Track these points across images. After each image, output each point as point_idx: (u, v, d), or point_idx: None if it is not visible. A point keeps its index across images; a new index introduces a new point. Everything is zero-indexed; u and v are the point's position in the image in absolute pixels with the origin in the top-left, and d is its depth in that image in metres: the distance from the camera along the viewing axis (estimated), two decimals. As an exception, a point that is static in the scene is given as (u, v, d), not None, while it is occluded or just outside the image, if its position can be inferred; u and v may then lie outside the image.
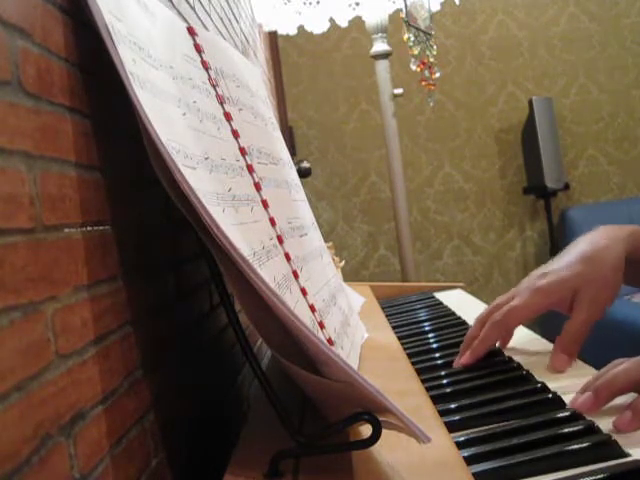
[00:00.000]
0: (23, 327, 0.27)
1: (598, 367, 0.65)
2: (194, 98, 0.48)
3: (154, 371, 0.43)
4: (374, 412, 0.37)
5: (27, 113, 0.31)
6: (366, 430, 0.38)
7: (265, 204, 0.53)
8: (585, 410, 0.51)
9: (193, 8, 0.73)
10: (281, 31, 1.83)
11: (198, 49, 0.54)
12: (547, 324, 0.80)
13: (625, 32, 3.10)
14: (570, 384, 0.59)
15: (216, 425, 0.56)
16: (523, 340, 0.81)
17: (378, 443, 0.37)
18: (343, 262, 1.38)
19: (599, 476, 0.42)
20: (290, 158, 0.74)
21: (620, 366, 0.54)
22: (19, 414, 0.26)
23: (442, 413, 0.54)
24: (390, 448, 0.42)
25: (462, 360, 0.69)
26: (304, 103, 2.98)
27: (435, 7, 1.84)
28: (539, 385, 0.59)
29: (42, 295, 0.29)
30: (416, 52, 1.72)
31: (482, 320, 0.73)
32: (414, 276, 1.87)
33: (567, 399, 0.55)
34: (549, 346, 0.78)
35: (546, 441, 0.47)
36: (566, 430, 0.48)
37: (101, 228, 0.38)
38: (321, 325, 0.53)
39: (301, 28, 1.78)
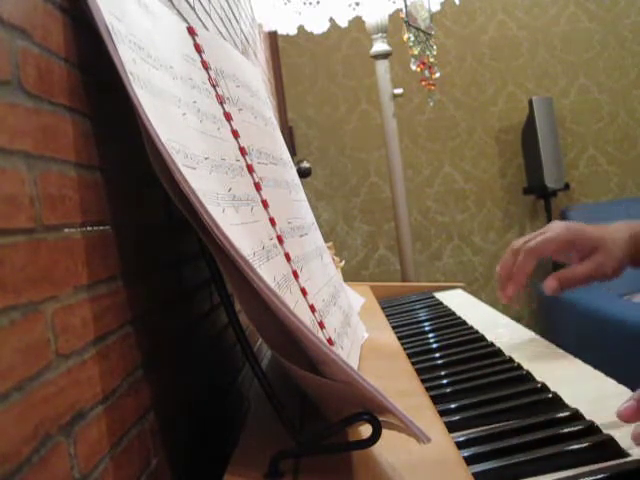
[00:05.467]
0: (23, 327, 0.27)
1: (597, 366, 0.65)
2: (194, 98, 0.48)
3: (154, 371, 0.43)
4: (374, 412, 0.37)
5: (27, 113, 0.31)
6: (366, 430, 0.38)
7: (265, 204, 0.53)
8: (627, 418, 0.48)
9: (193, 8, 0.73)
10: (281, 31, 1.83)
11: (198, 49, 0.54)
12: (548, 325, 0.81)
13: (625, 32, 3.09)
14: (579, 390, 0.59)
15: (216, 425, 0.56)
16: (523, 340, 0.81)
17: (378, 443, 0.37)
18: (343, 262, 1.38)
19: (599, 476, 0.42)
20: (290, 158, 0.74)
21: None
22: (19, 414, 0.26)
23: (442, 413, 0.54)
24: (390, 448, 0.42)
25: (508, 292, 0.77)
26: (304, 103, 2.98)
27: (435, 7, 1.84)
28: (539, 385, 0.59)
29: (42, 295, 0.29)
30: (416, 52, 1.72)
31: (515, 250, 0.80)
32: (414, 276, 1.87)
33: (565, 398, 0.55)
34: (549, 346, 0.78)
35: (546, 441, 0.47)
36: (566, 430, 0.48)
37: (101, 228, 0.38)
38: (321, 325, 0.53)
39: (301, 28, 1.78)
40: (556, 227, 0.80)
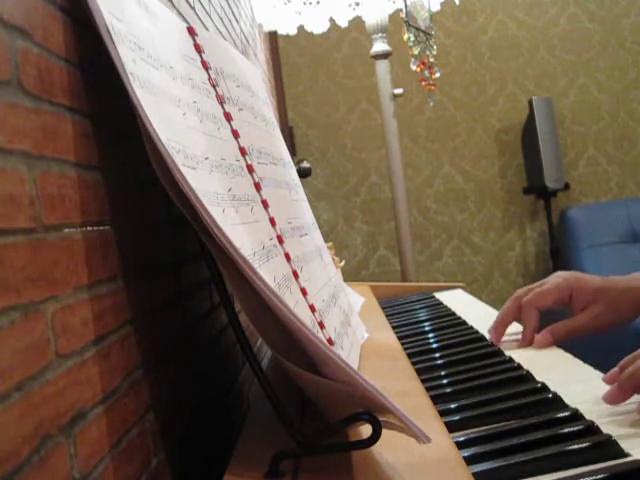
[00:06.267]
0: (23, 327, 0.27)
1: (597, 366, 0.65)
2: (194, 98, 0.48)
3: (154, 371, 0.43)
4: (374, 412, 0.37)
5: (27, 113, 0.31)
6: (366, 430, 0.38)
7: (265, 204, 0.53)
8: (612, 402, 0.54)
9: (193, 8, 0.73)
10: (281, 31, 1.82)
11: (198, 49, 0.54)
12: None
13: (625, 32, 3.09)
14: (579, 390, 0.59)
15: (216, 425, 0.56)
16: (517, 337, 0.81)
17: (378, 443, 0.37)
18: (343, 262, 1.38)
19: (599, 476, 0.42)
20: (290, 158, 0.74)
21: None
22: (19, 414, 0.26)
23: (442, 413, 0.54)
24: (390, 448, 0.42)
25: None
26: (304, 103, 2.98)
27: (435, 7, 1.84)
28: (539, 385, 0.59)
29: (42, 295, 0.29)
30: (416, 52, 1.72)
31: (517, 297, 0.83)
32: (414, 276, 1.87)
33: (565, 398, 0.55)
34: (550, 347, 0.78)
35: (546, 441, 0.47)
36: (566, 430, 0.48)
37: (101, 228, 0.38)
38: (321, 325, 0.53)
39: (301, 28, 1.78)
40: (556, 277, 0.82)
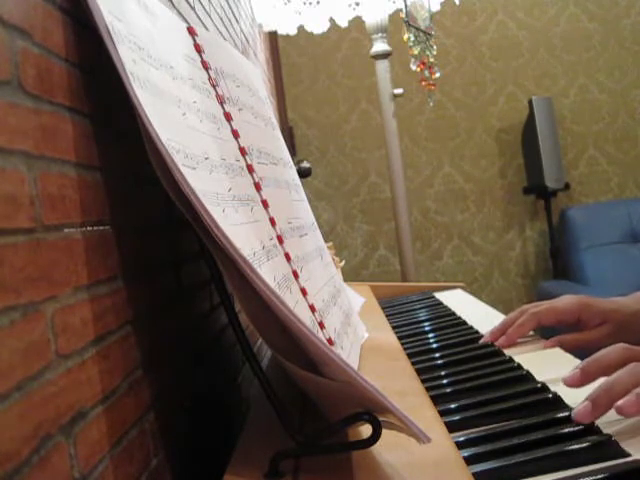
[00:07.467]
0: (23, 327, 0.27)
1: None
2: (194, 98, 0.48)
3: (154, 371, 0.43)
4: (374, 412, 0.37)
5: (27, 113, 0.31)
6: (366, 430, 0.38)
7: (265, 204, 0.53)
8: (585, 420, 0.50)
9: (193, 8, 0.73)
10: (281, 31, 1.82)
11: (198, 49, 0.54)
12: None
13: (625, 32, 3.09)
14: (579, 390, 0.59)
15: (216, 425, 0.56)
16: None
17: (378, 443, 0.37)
18: (343, 262, 1.38)
19: (599, 476, 0.42)
20: (290, 158, 0.74)
21: (616, 372, 0.53)
22: (19, 414, 0.26)
23: (442, 413, 0.54)
24: (390, 448, 0.42)
25: (499, 342, 0.79)
26: (304, 103, 2.98)
27: (435, 7, 1.84)
28: (539, 385, 0.59)
29: (42, 295, 0.29)
30: (416, 52, 1.72)
31: (523, 310, 0.83)
32: (414, 276, 1.87)
33: (565, 398, 0.55)
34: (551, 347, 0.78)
35: (546, 441, 0.47)
36: (566, 430, 0.48)
37: (101, 228, 0.38)
38: (321, 325, 0.53)
39: (301, 28, 1.78)
40: (566, 298, 0.83)
